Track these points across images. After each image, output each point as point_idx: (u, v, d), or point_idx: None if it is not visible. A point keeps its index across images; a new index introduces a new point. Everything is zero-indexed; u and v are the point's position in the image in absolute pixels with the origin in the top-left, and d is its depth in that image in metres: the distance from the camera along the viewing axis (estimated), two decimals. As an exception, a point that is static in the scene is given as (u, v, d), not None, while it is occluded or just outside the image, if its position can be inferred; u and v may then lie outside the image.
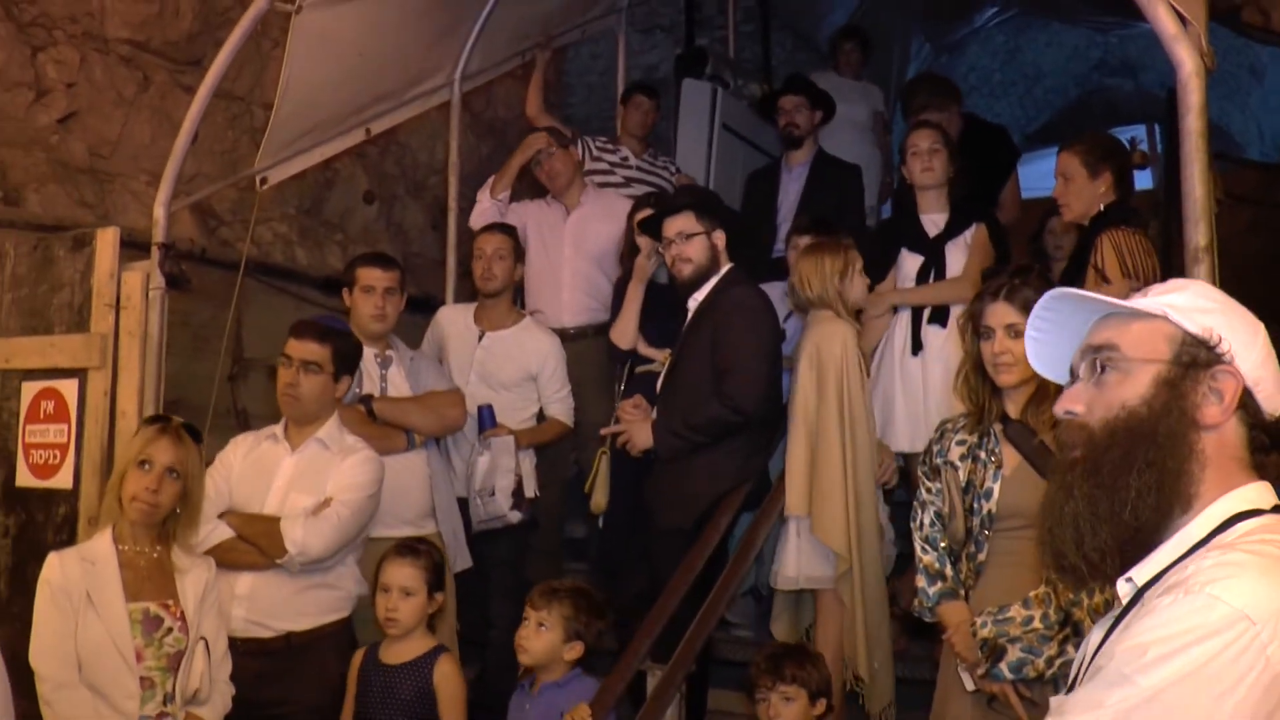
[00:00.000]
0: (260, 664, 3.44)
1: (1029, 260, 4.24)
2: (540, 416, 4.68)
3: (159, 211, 4.02)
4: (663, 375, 4.27)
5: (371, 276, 4.19)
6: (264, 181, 4.52)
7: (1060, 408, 1.48)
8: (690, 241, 4.14)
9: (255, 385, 4.94)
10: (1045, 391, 2.87)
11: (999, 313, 2.97)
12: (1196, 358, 1.42)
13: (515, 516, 4.32)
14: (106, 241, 3.91)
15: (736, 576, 3.94)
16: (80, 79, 5.28)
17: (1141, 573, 1.39)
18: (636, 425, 4.13)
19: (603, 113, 7.94)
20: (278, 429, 3.75)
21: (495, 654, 4.14)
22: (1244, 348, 1.44)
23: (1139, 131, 8.07)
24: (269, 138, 4.40)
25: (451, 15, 5.22)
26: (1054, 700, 1.39)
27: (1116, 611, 1.42)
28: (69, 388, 3.87)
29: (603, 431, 4.36)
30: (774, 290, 4.78)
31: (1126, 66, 11.21)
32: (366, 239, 6.34)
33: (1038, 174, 7.96)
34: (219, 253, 5.23)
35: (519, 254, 4.79)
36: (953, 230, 4.53)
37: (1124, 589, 1.41)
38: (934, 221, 4.58)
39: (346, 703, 3.49)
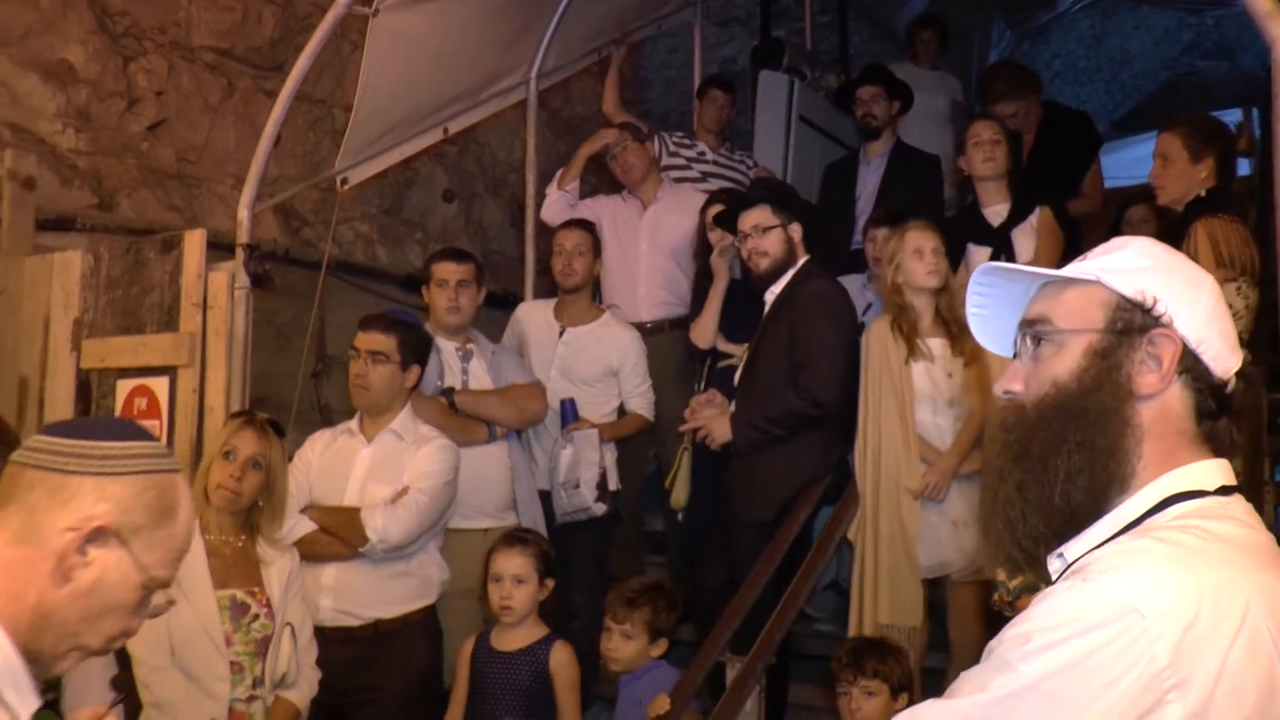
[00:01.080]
0: (350, 651, 3.53)
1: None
2: (621, 411, 4.70)
3: (243, 213, 4.11)
4: (740, 369, 4.26)
5: (445, 270, 4.26)
6: (344, 182, 4.60)
7: (999, 388, 1.40)
8: (766, 235, 4.12)
9: (338, 382, 5.02)
10: None
11: None
12: (1131, 323, 1.32)
13: (599, 509, 4.35)
14: (194, 244, 4.01)
15: (816, 569, 3.92)
16: (169, 87, 5.43)
17: (1073, 549, 1.31)
18: (715, 419, 4.12)
19: (681, 107, 7.94)
20: (353, 424, 3.85)
21: (577, 645, 4.15)
22: (1184, 306, 1.33)
23: (1236, 115, 7.82)
24: (348, 139, 4.47)
25: (527, 14, 5.25)
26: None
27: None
28: (160, 385, 3.98)
29: (682, 429, 4.37)
30: (852, 283, 4.75)
31: (1223, 48, 10.87)
32: (446, 237, 6.42)
33: (1122, 162, 7.77)
34: (302, 253, 5.33)
35: (598, 249, 4.80)
36: (1017, 217, 4.46)
37: (1055, 565, 1.33)
38: (996, 213, 4.52)
39: (457, 689, 3.58)
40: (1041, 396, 1.33)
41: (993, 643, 1.26)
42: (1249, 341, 3.65)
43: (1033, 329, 1.37)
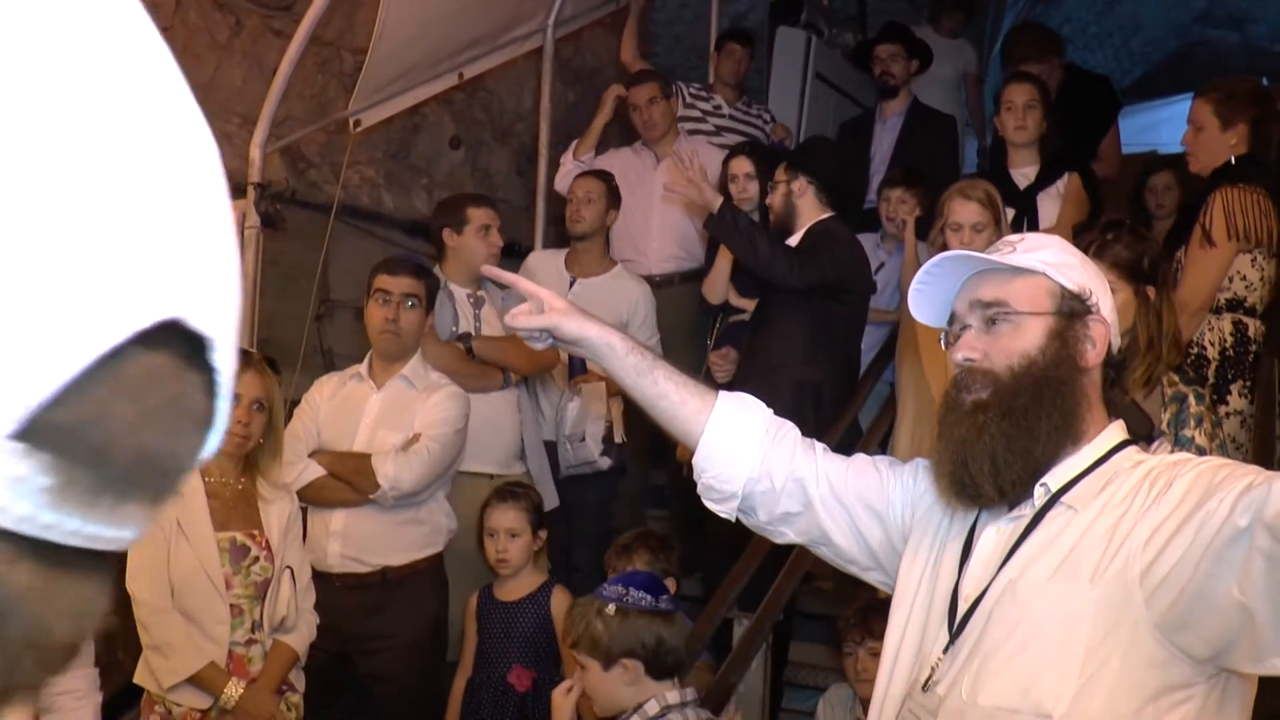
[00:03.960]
0: (357, 598, 3.53)
1: (1121, 215, 4.08)
2: (628, 363, 4.65)
3: (254, 153, 4.05)
4: (751, 316, 4.26)
5: (487, 216, 4.23)
6: (357, 124, 4.53)
7: (958, 355, 1.65)
8: (775, 189, 4.20)
9: (341, 325, 4.97)
10: (1135, 348, 2.76)
11: None
12: (1074, 309, 1.62)
13: (605, 463, 4.33)
14: (201, 181, 3.94)
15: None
16: (175, 23, 5.32)
17: (1053, 480, 1.59)
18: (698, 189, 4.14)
19: (687, 63, 7.82)
20: (361, 368, 3.80)
21: (579, 597, 4.16)
22: (1102, 297, 1.66)
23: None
24: (363, 80, 4.39)
25: (545, -41, 5.17)
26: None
27: (1024, 514, 1.60)
28: (168, 324, 3.92)
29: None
30: (866, 241, 4.71)
31: (1233, 19, 10.76)
32: (452, 184, 6.33)
33: (1129, 129, 7.69)
34: (308, 195, 5.25)
35: (614, 200, 4.74)
36: (1044, 181, 4.40)
37: (1040, 493, 1.60)
38: (1024, 175, 4.46)
39: (466, 644, 3.64)
40: (1014, 365, 1.60)
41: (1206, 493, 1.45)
42: (1264, 314, 3.62)
43: (990, 310, 1.63)
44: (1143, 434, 2.64)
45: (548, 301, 1.84)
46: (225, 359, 0.49)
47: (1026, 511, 1.61)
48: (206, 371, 0.49)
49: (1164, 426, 2.70)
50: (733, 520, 1.90)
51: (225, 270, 0.49)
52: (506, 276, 2.00)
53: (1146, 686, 1.44)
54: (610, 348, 1.84)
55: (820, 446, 1.88)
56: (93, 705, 2.72)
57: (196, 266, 0.47)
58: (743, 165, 4.67)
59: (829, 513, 1.81)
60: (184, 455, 0.49)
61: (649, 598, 2.57)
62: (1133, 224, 3.17)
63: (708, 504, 1.89)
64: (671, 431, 1.89)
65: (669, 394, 1.85)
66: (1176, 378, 2.74)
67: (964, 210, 3.81)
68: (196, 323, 0.47)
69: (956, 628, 1.61)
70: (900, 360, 4.01)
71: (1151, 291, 2.75)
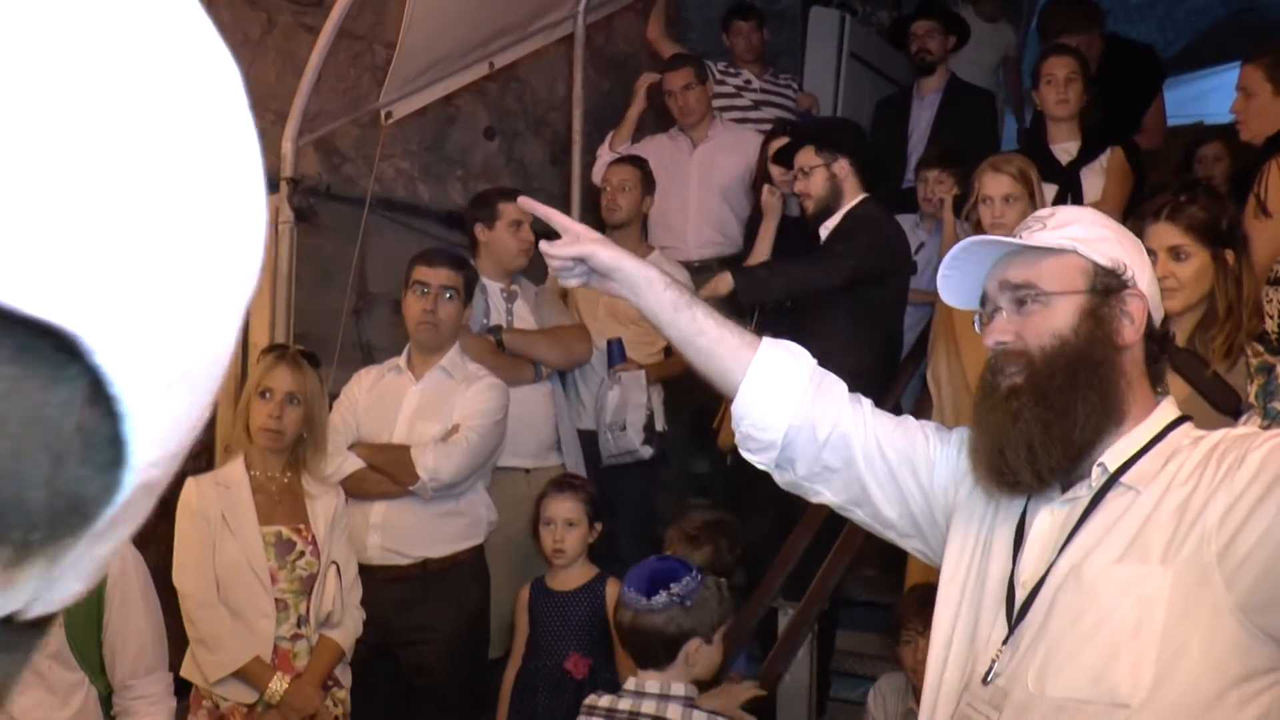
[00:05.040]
0: (398, 591, 3.52)
1: (1194, 176, 3.95)
2: (668, 351, 4.61)
3: (286, 147, 4.04)
4: (791, 301, 4.20)
5: (518, 211, 4.17)
6: (389, 115, 4.52)
7: (990, 340, 1.59)
8: (810, 176, 4.08)
9: (379, 319, 4.97)
10: (1214, 316, 2.66)
11: (1161, 234, 2.67)
12: (1109, 285, 1.56)
13: (647, 452, 4.28)
14: (236, 178, 3.94)
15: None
16: (208, 21, 5.33)
17: (1112, 459, 1.53)
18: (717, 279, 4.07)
19: (719, 47, 7.79)
20: (400, 360, 3.79)
21: (622, 587, 4.15)
22: (1139, 269, 1.59)
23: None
24: (394, 71, 4.39)
25: (576, -55, 5.13)
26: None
27: (1080, 495, 1.54)
28: (204, 320, 3.93)
29: None
30: (905, 222, 4.65)
31: (1284, -16, 10.54)
32: (488, 175, 6.33)
33: (1175, 101, 7.54)
34: (342, 189, 5.25)
35: (649, 186, 4.70)
36: (1086, 156, 4.31)
37: (1097, 473, 1.54)
38: (1065, 150, 4.36)
39: (517, 636, 3.64)
40: (1046, 346, 1.54)
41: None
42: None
43: (1019, 292, 1.57)
44: (1228, 408, 2.55)
45: (582, 234, 1.79)
46: (132, 370, 0.37)
47: (1083, 493, 1.55)
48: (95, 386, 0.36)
49: (1251, 399, 2.60)
50: (770, 472, 1.80)
51: (133, 256, 0.36)
52: (543, 209, 1.92)
53: (1229, 671, 1.38)
54: (647, 281, 1.76)
55: (867, 402, 1.78)
56: (167, 710, 2.73)
57: (51, 240, 0.34)
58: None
59: (872, 470, 1.73)
60: (45, 494, 0.35)
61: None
62: (1209, 184, 3.07)
63: (745, 454, 1.80)
64: (708, 373, 1.78)
65: (707, 330, 1.75)
66: (1261, 347, 2.62)
67: (995, 183, 3.74)
68: (57, 318, 0.34)
69: (1016, 616, 1.55)
70: (933, 352, 3.94)
71: (1230, 255, 2.65)
